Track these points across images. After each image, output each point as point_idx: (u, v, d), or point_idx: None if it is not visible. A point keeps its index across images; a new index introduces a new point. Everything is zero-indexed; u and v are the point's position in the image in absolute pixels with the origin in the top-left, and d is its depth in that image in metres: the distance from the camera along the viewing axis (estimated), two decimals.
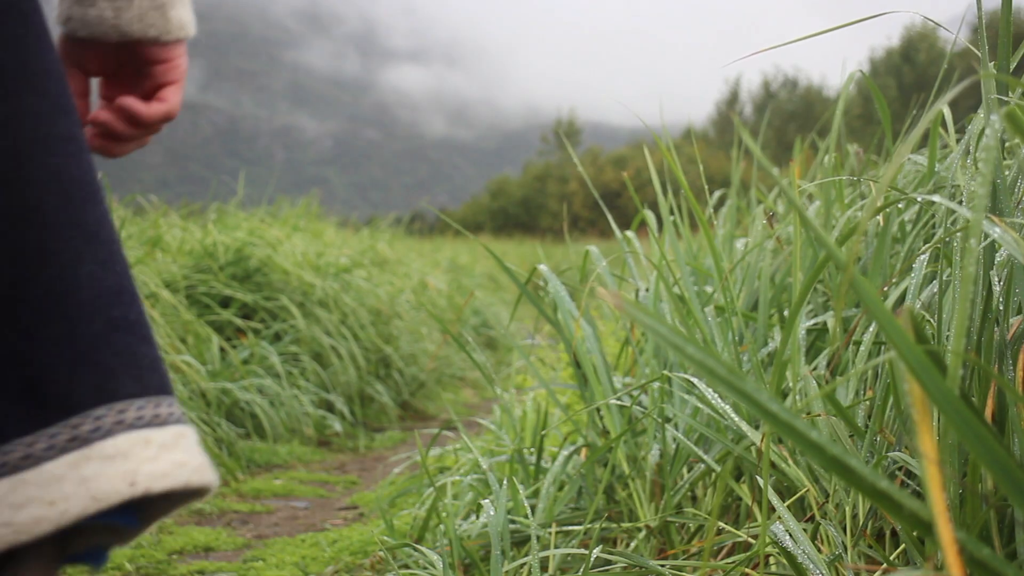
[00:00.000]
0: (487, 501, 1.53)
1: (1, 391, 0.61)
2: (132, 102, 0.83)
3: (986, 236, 1.00)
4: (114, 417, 0.63)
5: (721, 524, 1.40)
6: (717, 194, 2.70)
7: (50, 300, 0.62)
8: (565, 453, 1.80)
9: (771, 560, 1.30)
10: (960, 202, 1.20)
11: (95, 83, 0.83)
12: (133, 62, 0.85)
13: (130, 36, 0.81)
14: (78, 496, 0.59)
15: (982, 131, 1.20)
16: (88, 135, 0.81)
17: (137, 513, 0.66)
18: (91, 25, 0.80)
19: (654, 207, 2.18)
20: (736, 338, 1.67)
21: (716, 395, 1.44)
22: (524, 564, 1.56)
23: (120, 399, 0.64)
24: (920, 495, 1.14)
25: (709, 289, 2.07)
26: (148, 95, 0.86)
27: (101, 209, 0.65)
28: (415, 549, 1.69)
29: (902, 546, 1.12)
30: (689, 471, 1.65)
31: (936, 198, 1.07)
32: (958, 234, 1.06)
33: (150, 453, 0.63)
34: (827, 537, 1.23)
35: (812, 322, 1.65)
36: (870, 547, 1.17)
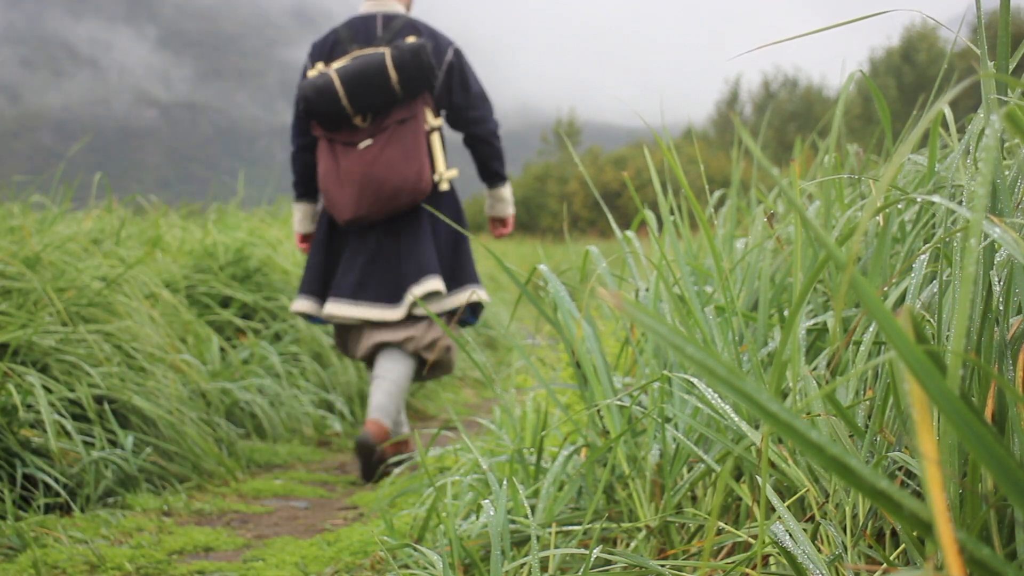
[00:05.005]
0: (487, 501, 1.53)
1: (456, 284, 3.40)
2: (496, 230, 3.64)
3: (986, 236, 1.01)
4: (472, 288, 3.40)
5: (721, 524, 1.40)
6: (717, 194, 2.70)
7: (469, 266, 3.43)
8: (565, 453, 1.81)
9: (771, 560, 1.30)
10: (960, 202, 1.20)
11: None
12: (499, 220, 3.62)
13: (496, 215, 3.61)
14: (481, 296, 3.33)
15: (982, 131, 1.20)
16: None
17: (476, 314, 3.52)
18: (488, 212, 3.61)
19: (654, 207, 2.18)
20: (736, 338, 1.67)
21: (716, 395, 1.43)
22: (524, 564, 1.56)
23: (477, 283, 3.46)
24: (920, 495, 1.14)
25: (709, 289, 2.07)
26: (500, 226, 3.63)
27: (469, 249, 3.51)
28: (415, 549, 1.69)
29: (902, 546, 1.12)
30: (689, 471, 1.65)
31: (936, 198, 1.07)
32: (958, 234, 1.06)
33: (482, 294, 3.39)
34: (827, 537, 1.23)
35: (812, 322, 1.65)
36: (870, 547, 1.17)
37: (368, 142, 3.21)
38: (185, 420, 3.13)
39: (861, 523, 1.18)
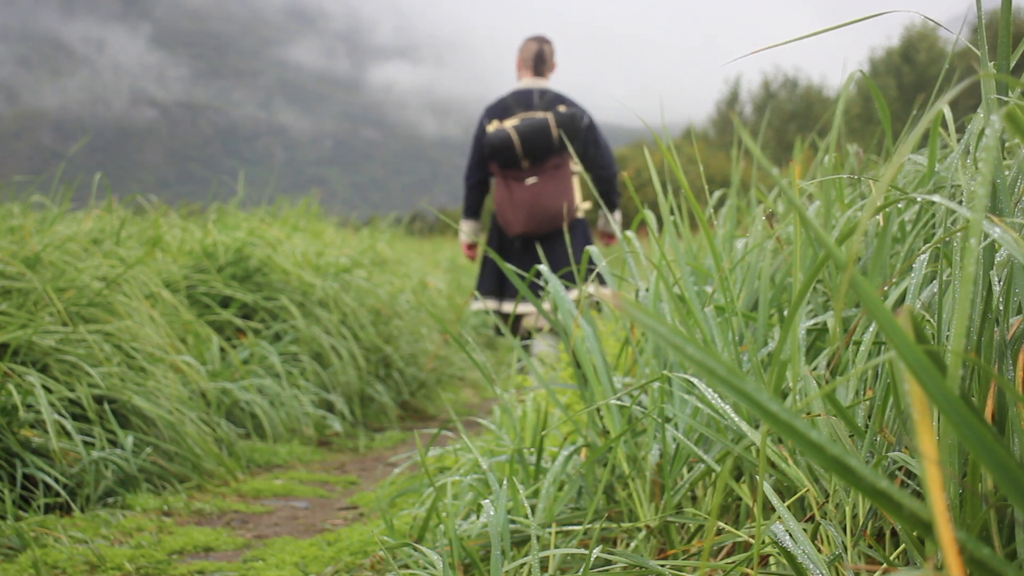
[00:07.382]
0: (487, 501, 1.53)
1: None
2: (604, 239, 5.13)
3: (986, 236, 1.01)
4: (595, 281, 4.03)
5: (721, 524, 1.40)
6: (717, 194, 2.70)
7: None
8: (565, 453, 1.80)
9: (771, 560, 1.30)
10: (960, 202, 1.20)
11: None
12: (607, 235, 5.06)
13: (605, 231, 5.06)
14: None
15: (982, 131, 1.20)
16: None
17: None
18: (601, 227, 5.10)
19: (654, 207, 2.19)
20: (736, 338, 1.67)
21: (716, 395, 1.43)
22: (524, 564, 1.56)
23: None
24: (920, 495, 1.14)
25: (709, 289, 2.07)
26: (606, 238, 5.11)
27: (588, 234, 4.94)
28: (415, 549, 1.69)
29: (902, 546, 1.12)
30: (689, 471, 1.65)
31: (936, 198, 1.07)
32: (958, 234, 1.06)
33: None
34: (827, 537, 1.23)
35: (812, 322, 1.65)
36: (870, 547, 1.17)
37: (533, 179, 4.67)
38: (185, 420, 3.13)
39: (861, 523, 1.18)
